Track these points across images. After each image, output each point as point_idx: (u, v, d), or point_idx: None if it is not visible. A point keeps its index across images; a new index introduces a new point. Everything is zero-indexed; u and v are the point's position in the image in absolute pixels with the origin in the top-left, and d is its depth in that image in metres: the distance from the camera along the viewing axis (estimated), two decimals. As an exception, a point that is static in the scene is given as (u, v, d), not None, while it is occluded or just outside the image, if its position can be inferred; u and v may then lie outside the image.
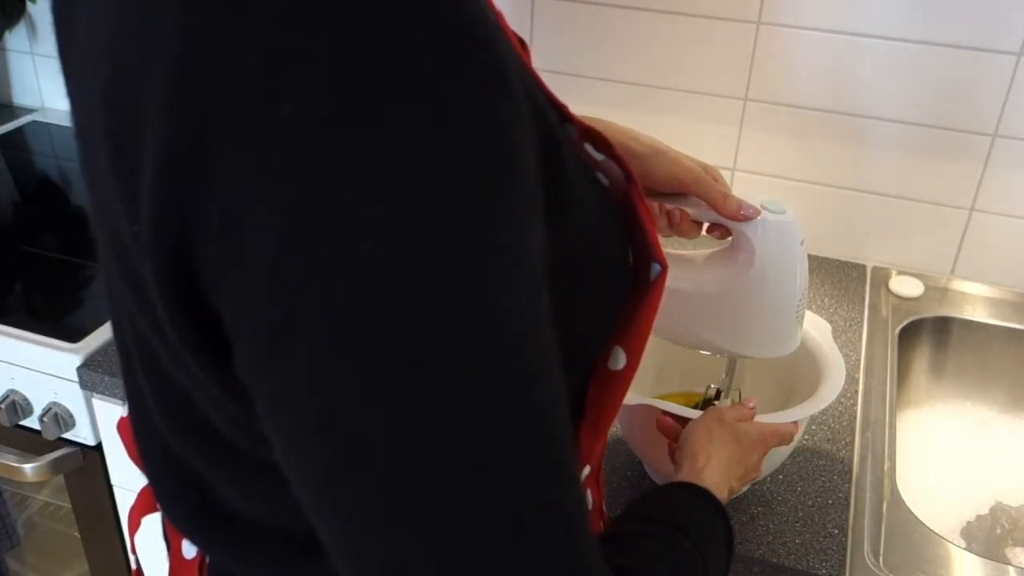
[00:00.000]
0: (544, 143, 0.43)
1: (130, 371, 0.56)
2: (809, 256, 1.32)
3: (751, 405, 0.78)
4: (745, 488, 0.80)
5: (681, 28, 1.25)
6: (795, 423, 0.80)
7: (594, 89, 1.33)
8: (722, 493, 0.65)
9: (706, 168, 0.75)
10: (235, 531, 0.54)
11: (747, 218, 0.73)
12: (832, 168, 1.28)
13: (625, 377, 0.56)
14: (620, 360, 0.55)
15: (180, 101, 0.37)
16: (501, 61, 0.38)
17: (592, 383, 0.56)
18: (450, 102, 0.36)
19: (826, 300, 1.24)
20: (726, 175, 1.32)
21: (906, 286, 1.25)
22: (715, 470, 0.68)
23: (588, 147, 0.54)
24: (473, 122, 0.37)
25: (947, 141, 1.21)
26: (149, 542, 0.58)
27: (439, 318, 0.37)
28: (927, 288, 1.26)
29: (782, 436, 0.78)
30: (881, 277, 1.29)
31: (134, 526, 0.70)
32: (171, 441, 0.54)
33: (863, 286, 1.27)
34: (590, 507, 0.64)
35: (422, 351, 0.37)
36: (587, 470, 0.60)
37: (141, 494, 0.68)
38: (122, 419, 0.65)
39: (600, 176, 0.56)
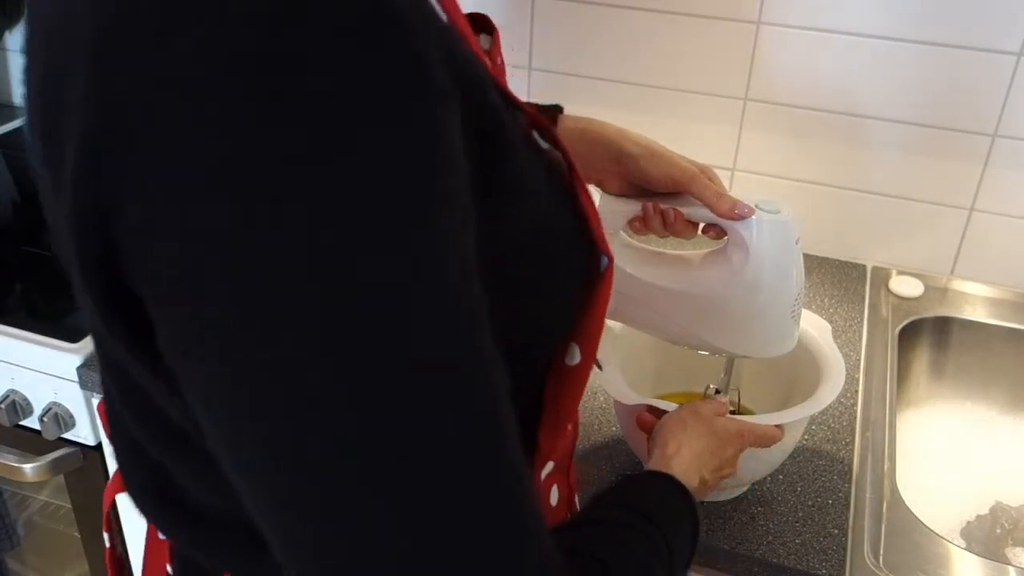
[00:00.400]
0: (482, 124, 0.42)
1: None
2: (809, 256, 1.33)
3: (723, 401, 0.79)
4: (724, 486, 0.79)
5: (681, 28, 1.25)
6: (779, 427, 0.79)
7: (594, 89, 1.33)
8: (692, 482, 0.65)
9: (701, 168, 0.75)
10: (198, 521, 0.55)
11: (741, 217, 0.73)
12: (832, 168, 1.28)
13: (581, 372, 0.56)
14: (575, 356, 0.56)
15: (94, 91, 0.38)
16: (414, 33, 0.38)
17: (549, 380, 0.56)
18: (359, 81, 0.36)
19: (826, 300, 1.24)
20: (726, 175, 1.32)
21: (906, 286, 1.25)
22: (685, 458, 0.68)
23: (535, 135, 0.54)
24: (386, 104, 0.36)
25: (947, 141, 1.21)
26: (134, 518, 0.59)
27: (351, 303, 0.37)
28: (927, 288, 1.26)
29: (762, 436, 0.77)
30: (881, 277, 1.29)
31: (108, 504, 0.71)
32: (135, 431, 0.55)
33: (863, 286, 1.27)
34: (555, 501, 0.64)
35: (337, 339, 0.37)
36: (550, 466, 0.61)
37: (116, 474, 0.68)
38: (101, 401, 0.66)
39: (557, 165, 0.56)
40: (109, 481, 0.70)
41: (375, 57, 0.36)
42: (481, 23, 0.62)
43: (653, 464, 0.68)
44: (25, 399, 1.14)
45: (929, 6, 1.13)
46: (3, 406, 1.13)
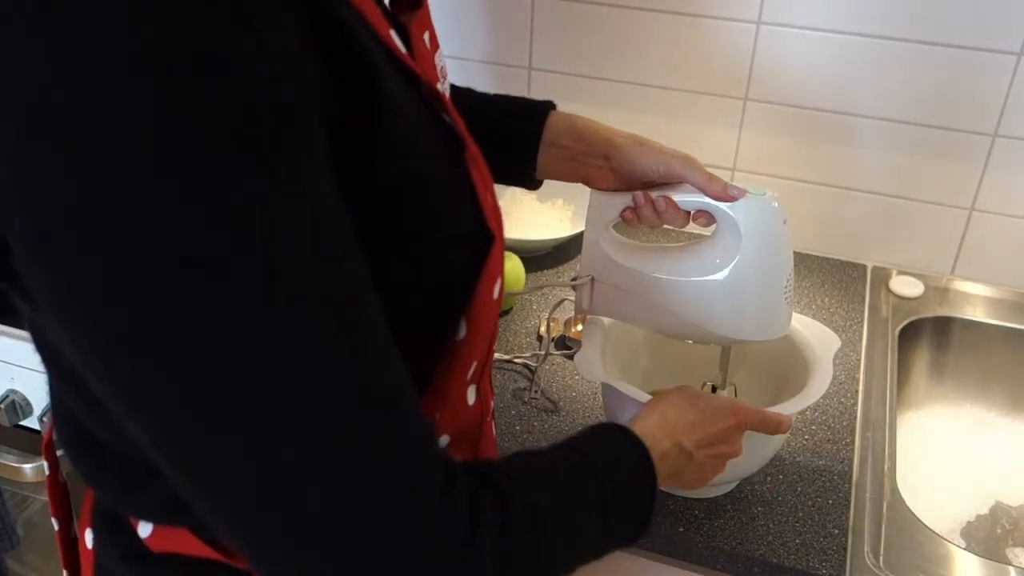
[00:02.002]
0: (337, 48, 0.44)
1: None
2: (809, 256, 1.33)
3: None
4: (727, 472, 0.78)
5: (681, 28, 1.25)
6: (787, 415, 0.78)
7: (594, 89, 1.33)
8: (660, 445, 0.64)
9: (686, 156, 0.77)
10: (101, 459, 0.58)
11: (734, 198, 0.75)
12: (832, 168, 1.28)
13: (467, 348, 0.58)
14: (462, 330, 0.57)
15: None
16: None
17: (438, 354, 0.58)
18: (149, 11, 0.37)
19: (826, 300, 1.24)
20: (726, 175, 1.32)
21: (906, 286, 1.25)
22: (652, 422, 0.67)
23: (436, 108, 0.55)
24: (190, 28, 0.37)
25: (947, 141, 1.21)
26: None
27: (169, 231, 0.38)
28: (927, 288, 1.26)
29: (764, 420, 0.75)
30: (881, 277, 1.29)
31: (47, 436, 0.74)
32: (48, 371, 0.57)
33: (863, 286, 1.27)
34: None
35: (175, 277, 0.39)
36: (445, 439, 0.62)
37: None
38: None
39: (455, 140, 0.57)
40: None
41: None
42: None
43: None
44: (25, 399, 1.14)
45: (929, 6, 1.13)
46: (3, 406, 1.13)
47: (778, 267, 0.78)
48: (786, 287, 0.78)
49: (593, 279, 0.84)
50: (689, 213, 0.78)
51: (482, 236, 0.57)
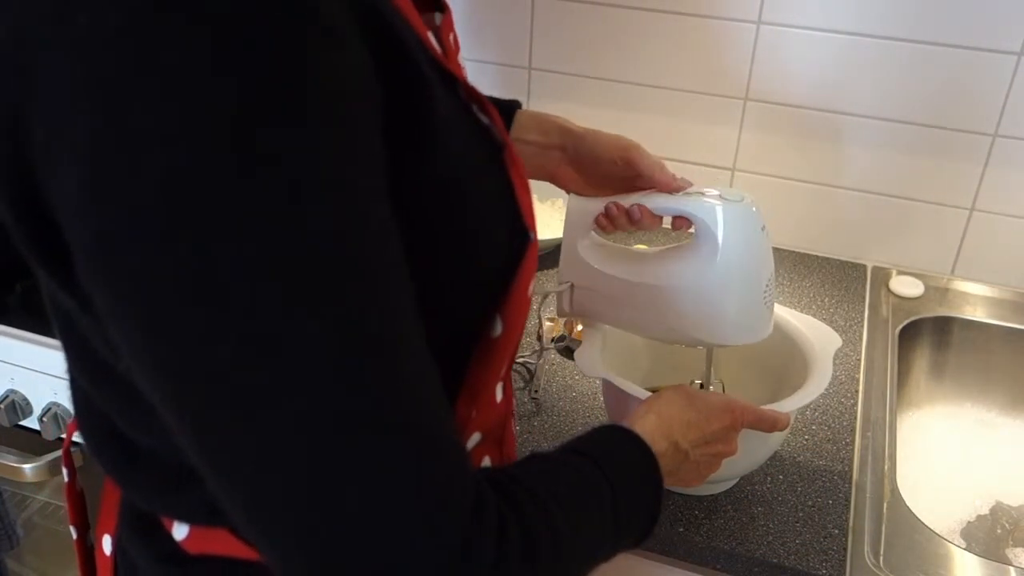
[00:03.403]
0: (397, 67, 0.44)
1: None
2: (809, 256, 1.33)
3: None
4: (723, 469, 0.78)
5: (681, 28, 1.25)
6: (784, 413, 0.78)
7: (594, 89, 1.33)
8: (658, 445, 0.64)
9: (635, 143, 0.79)
10: (133, 461, 0.57)
11: (680, 188, 0.77)
12: (832, 168, 1.28)
13: (502, 344, 0.58)
14: (498, 328, 0.57)
15: None
16: None
17: (473, 351, 0.58)
18: (237, 20, 0.37)
19: (826, 300, 1.24)
20: (726, 175, 1.32)
21: (906, 286, 1.25)
22: (651, 422, 0.67)
23: (475, 109, 0.56)
24: (267, 44, 0.38)
25: (947, 141, 1.21)
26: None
27: (242, 226, 0.38)
28: (927, 288, 1.26)
29: (760, 418, 0.75)
30: (881, 277, 1.29)
31: (67, 441, 0.74)
32: (74, 371, 0.57)
33: (863, 286, 1.27)
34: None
35: (231, 259, 0.38)
36: (477, 436, 0.61)
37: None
38: None
39: (494, 140, 0.57)
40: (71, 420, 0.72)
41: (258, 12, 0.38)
42: (435, 1, 0.63)
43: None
44: (25, 399, 1.14)
45: (929, 6, 1.13)
46: (3, 406, 1.13)
47: (756, 272, 0.78)
48: (766, 291, 0.79)
49: (572, 285, 0.84)
50: (662, 218, 0.79)
51: (519, 235, 0.58)
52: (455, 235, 0.52)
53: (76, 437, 0.67)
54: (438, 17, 0.62)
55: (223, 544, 0.56)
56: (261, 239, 0.38)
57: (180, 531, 0.58)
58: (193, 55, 0.37)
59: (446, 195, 0.50)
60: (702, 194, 0.77)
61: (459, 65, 0.61)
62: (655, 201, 0.77)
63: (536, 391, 1.03)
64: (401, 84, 0.45)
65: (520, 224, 0.58)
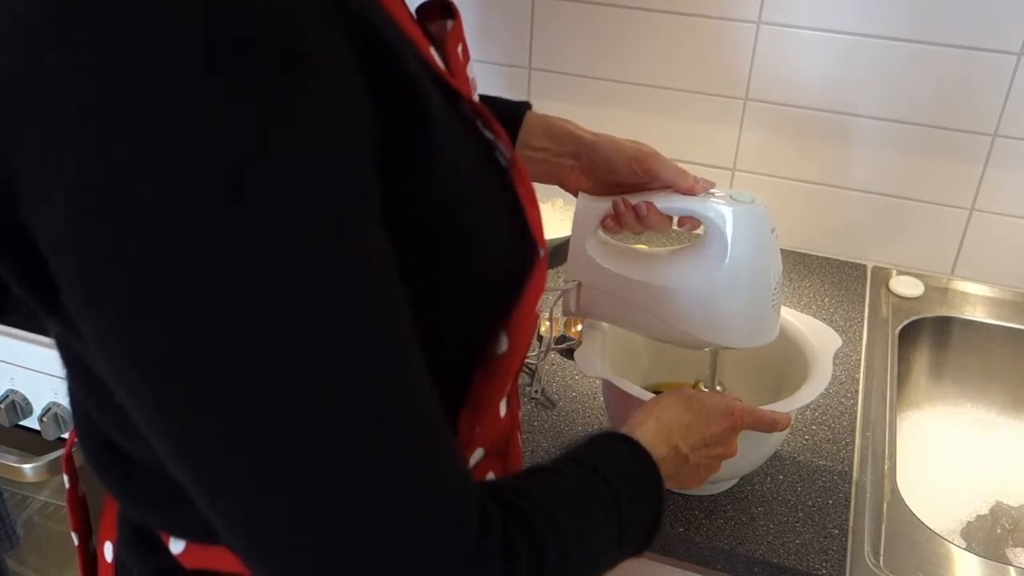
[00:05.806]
0: (390, 85, 0.44)
1: None
2: (809, 256, 1.33)
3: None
4: (724, 470, 0.78)
5: (681, 28, 1.25)
6: (783, 413, 0.78)
7: (594, 89, 1.33)
8: (659, 450, 0.64)
9: (653, 150, 0.78)
10: (128, 474, 0.57)
11: (703, 190, 0.76)
12: (832, 168, 1.28)
13: (507, 362, 0.57)
14: (503, 345, 0.56)
15: None
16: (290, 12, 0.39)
17: (477, 368, 0.57)
18: (219, 47, 0.37)
19: (826, 300, 1.24)
20: (726, 175, 1.32)
21: (906, 286, 1.25)
22: (651, 427, 0.67)
23: (479, 125, 0.55)
24: (246, 68, 0.37)
25: (947, 141, 1.21)
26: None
27: (229, 257, 0.38)
28: (927, 288, 1.26)
29: (760, 419, 0.75)
30: (881, 277, 1.29)
31: (68, 448, 0.73)
32: (71, 384, 0.57)
33: (863, 286, 1.27)
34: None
35: (221, 290, 0.38)
36: (480, 452, 0.61)
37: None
38: None
39: (499, 156, 0.56)
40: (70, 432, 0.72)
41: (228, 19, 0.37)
42: (445, 8, 0.62)
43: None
44: (25, 399, 1.14)
45: (929, 6, 1.13)
46: (3, 406, 1.13)
47: (765, 274, 0.77)
48: (774, 294, 0.78)
49: (580, 284, 0.84)
50: (672, 218, 0.78)
51: (526, 251, 0.57)
52: (457, 253, 0.51)
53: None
54: (449, 24, 0.61)
55: (221, 560, 0.56)
56: (250, 269, 0.38)
57: (177, 546, 0.57)
58: (171, 85, 0.37)
59: (446, 212, 0.50)
60: (711, 194, 0.77)
61: (467, 79, 0.60)
62: (664, 200, 0.77)
63: (537, 391, 1.03)
64: (396, 102, 0.44)
65: (529, 239, 0.56)
